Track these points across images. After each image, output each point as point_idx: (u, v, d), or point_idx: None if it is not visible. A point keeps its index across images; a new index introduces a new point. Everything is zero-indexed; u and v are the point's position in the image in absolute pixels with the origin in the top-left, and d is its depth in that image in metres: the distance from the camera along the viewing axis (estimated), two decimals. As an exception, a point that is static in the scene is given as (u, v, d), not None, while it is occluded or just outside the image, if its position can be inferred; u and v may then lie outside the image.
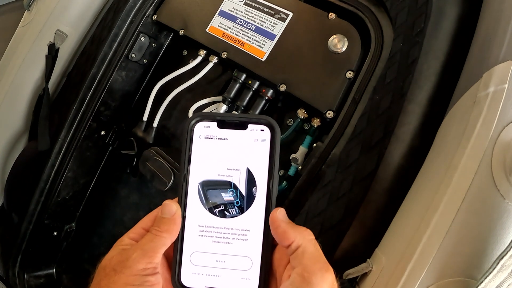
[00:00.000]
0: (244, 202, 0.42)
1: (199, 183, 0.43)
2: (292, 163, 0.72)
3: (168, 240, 0.42)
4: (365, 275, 0.56)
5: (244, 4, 0.78)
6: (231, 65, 0.80)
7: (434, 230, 0.49)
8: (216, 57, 0.81)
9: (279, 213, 0.41)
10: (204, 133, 0.43)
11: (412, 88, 0.60)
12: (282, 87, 0.70)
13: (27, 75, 0.92)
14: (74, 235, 0.97)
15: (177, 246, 0.42)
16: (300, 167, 0.70)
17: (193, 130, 0.44)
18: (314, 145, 0.69)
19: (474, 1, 0.63)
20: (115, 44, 0.87)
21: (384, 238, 0.57)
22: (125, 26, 0.87)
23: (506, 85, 0.51)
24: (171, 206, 0.43)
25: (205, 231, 0.42)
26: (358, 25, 0.69)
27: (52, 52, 0.90)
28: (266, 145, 0.43)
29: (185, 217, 0.43)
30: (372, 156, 0.59)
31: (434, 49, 0.61)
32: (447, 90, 0.60)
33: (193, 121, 0.44)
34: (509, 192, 0.47)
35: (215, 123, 0.43)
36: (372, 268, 0.55)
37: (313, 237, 0.40)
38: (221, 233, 0.42)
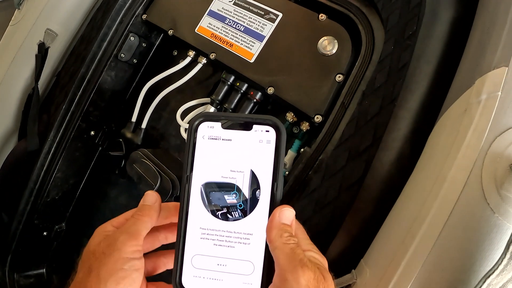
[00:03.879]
0: (247, 205, 0.40)
1: (202, 185, 0.41)
2: (280, 168, 0.69)
3: (149, 224, 0.43)
4: (349, 286, 0.54)
5: (233, 4, 0.74)
6: (220, 66, 0.77)
7: (420, 244, 0.46)
8: (205, 58, 0.78)
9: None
10: (208, 134, 0.42)
11: (403, 93, 0.57)
12: (270, 90, 0.67)
13: (17, 74, 0.90)
14: (64, 235, 0.95)
15: (179, 248, 0.41)
16: (287, 172, 0.67)
17: (197, 130, 0.42)
18: (302, 150, 0.66)
19: (469, 4, 0.59)
20: (105, 44, 0.85)
21: (369, 249, 0.54)
22: (115, 26, 0.85)
23: (500, 93, 0.47)
24: (152, 195, 0.45)
25: (207, 234, 0.41)
26: (349, 26, 0.66)
27: (42, 51, 0.87)
28: (271, 146, 0.40)
29: (187, 219, 0.41)
30: (359, 163, 0.57)
31: (426, 53, 0.58)
32: (439, 96, 0.57)
33: (197, 121, 0.41)
34: (499, 206, 0.44)
35: (219, 124, 0.41)
36: (356, 280, 0.53)
37: (283, 240, 0.38)
38: (223, 236, 0.41)
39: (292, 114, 0.69)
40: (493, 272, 0.41)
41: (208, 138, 0.42)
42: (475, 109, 0.48)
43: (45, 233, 0.93)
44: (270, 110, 0.75)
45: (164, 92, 0.81)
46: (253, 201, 0.40)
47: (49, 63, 0.89)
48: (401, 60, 0.58)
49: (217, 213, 0.41)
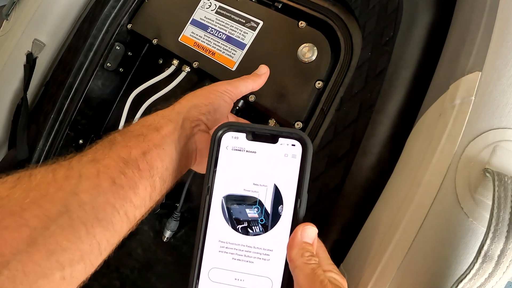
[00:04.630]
0: (268, 221, 0.39)
1: (223, 197, 0.40)
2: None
3: (249, 85, 0.55)
4: (328, 291, 0.53)
5: (215, 13, 0.74)
6: (204, 74, 0.77)
7: (395, 249, 0.46)
8: (188, 67, 0.77)
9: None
10: (232, 144, 0.40)
11: (380, 99, 0.56)
12: (252, 98, 0.67)
13: (5, 84, 0.89)
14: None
15: (196, 260, 0.40)
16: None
17: (221, 140, 0.40)
18: (283, 156, 0.65)
19: (446, 9, 0.59)
20: (91, 54, 0.84)
21: (348, 254, 0.54)
22: (101, 36, 0.84)
23: (473, 98, 0.47)
24: (265, 67, 0.59)
25: (226, 247, 0.40)
26: (328, 33, 0.65)
27: (30, 61, 0.87)
28: (296, 161, 0.39)
29: (206, 231, 0.40)
30: (338, 169, 0.56)
31: (403, 59, 0.57)
32: (417, 101, 0.56)
33: (221, 131, 0.40)
34: (473, 211, 0.44)
35: (244, 135, 0.40)
36: (335, 285, 0.52)
37: (304, 259, 0.37)
38: (242, 250, 0.39)
39: (274, 121, 0.68)
40: (465, 277, 0.40)
41: (232, 149, 0.40)
42: (449, 114, 0.48)
43: (36, 242, 0.92)
44: (253, 117, 0.74)
45: (150, 100, 0.80)
46: (275, 216, 0.39)
47: (38, 73, 0.89)
48: (379, 65, 0.58)
49: (237, 227, 0.40)
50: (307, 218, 0.56)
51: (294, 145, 0.40)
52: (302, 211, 0.39)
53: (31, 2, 0.88)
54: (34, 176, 0.36)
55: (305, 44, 0.65)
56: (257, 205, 0.39)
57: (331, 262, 0.40)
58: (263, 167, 0.40)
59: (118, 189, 0.38)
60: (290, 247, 0.37)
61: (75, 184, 0.36)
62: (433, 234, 0.45)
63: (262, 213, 0.39)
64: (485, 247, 0.40)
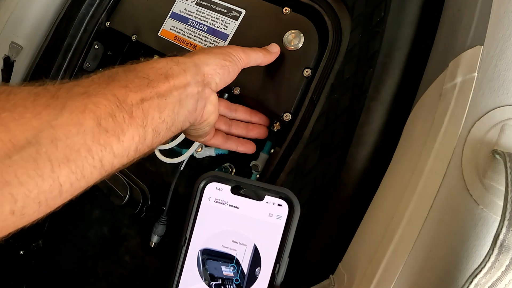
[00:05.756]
0: (244, 282, 0.36)
1: (200, 250, 0.37)
2: (253, 171, 0.62)
3: (260, 57, 0.54)
4: (327, 294, 0.47)
5: (195, 4, 0.68)
6: (187, 69, 0.71)
7: (399, 244, 0.40)
8: (169, 62, 0.71)
9: None
10: (215, 196, 0.38)
11: (374, 84, 0.51)
12: (236, 90, 0.61)
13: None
14: (42, 253, 0.88)
15: None
16: (258, 175, 0.61)
17: (204, 190, 0.38)
18: (272, 150, 0.59)
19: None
20: (69, 54, 0.78)
21: (347, 252, 0.48)
22: (79, 35, 0.78)
23: (476, 74, 0.41)
24: (276, 46, 0.57)
25: None
26: (315, 18, 0.59)
27: (8, 65, 0.81)
28: (281, 223, 0.37)
29: (179, 283, 0.37)
30: (332, 160, 0.50)
31: (396, 40, 0.52)
32: (414, 84, 0.51)
33: (205, 181, 0.38)
34: (483, 197, 0.38)
35: (229, 187, 0.38)
36: (334, 285, 0.46)
37: None
38: None
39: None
40: (480, 271, 0.34)
41: (214, 201, 0.38)
42: (450, 93, 0.42)
43: (22, 252, 0.86)
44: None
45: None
46: (251, 278, 0.36)
47: (16, 77, 0.83)
48: (370, 48, 0.52)
49: (211, 283, 0.37)
50: (301, 217, 0.50)
51: (280, 205, 0.37)
52: (280, 277, 0.37)
53: (6, 5, 0.82)
54: (13, 95, 0.31)
55: (290, 31, 0.59)
56: (233, 264, 0.37)
57: None
58: (245, 225, 0.37)
59: (101, 132, 0.34)
60: None
61: (55, 116, 0.31)
62: (441, 225, 0.39)
63: (238, 273, 0.37)
64: (501, 237, 0.34)
